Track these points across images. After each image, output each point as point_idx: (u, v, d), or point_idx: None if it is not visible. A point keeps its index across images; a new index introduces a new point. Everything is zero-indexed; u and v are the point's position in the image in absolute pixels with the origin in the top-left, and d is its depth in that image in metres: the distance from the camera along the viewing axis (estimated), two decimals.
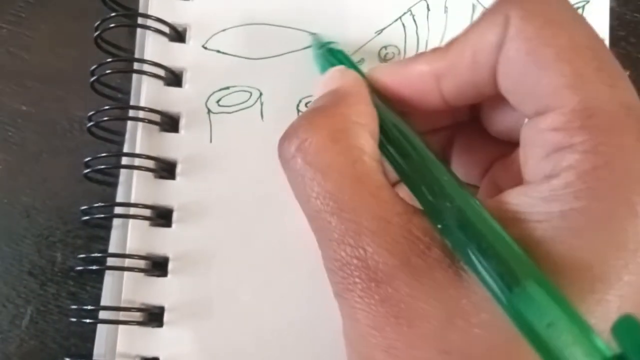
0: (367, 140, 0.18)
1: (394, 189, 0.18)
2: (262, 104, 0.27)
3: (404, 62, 0.21)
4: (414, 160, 0.19)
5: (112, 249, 0.26)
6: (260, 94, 0.27)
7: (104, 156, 0.26)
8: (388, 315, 0.16)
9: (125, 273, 0.25)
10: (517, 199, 0.16)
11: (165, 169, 0.26)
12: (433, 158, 0.19)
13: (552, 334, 0.14)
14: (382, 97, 0.20)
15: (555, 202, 0.15)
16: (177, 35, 0.27)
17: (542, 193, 0.16)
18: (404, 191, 0.19)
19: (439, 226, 0.17)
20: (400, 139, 0.19)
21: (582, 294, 0.15)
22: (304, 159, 0.18)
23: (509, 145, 0.21)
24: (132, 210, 0.25)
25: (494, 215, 0.16)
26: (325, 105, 0.19)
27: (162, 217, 0.25)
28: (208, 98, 0.26)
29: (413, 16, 0.28)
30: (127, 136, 0.27)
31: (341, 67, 0.22)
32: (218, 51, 0.27)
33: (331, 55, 0.24)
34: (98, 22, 0.26)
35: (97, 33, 0.26)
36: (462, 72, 0.19)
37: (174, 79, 0.27)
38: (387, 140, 0.20)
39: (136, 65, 0.26)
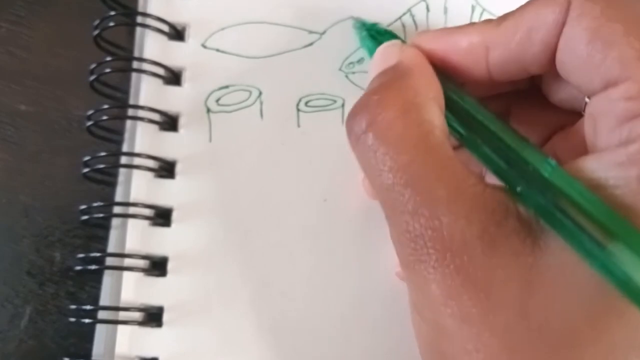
0: (436, 113, 0.19)
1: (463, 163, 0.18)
2: (261, 103, 0.27)
3: (453, 30, 0.21)
4: (483, 128, 0.19)
5: (111, 248, 0.26)
6: (260, 93, 0.27)
7: (103, 155, 0.26)
8: (465, 284, 0.16)
9: (125, 273, 0.24)
10: (591, 165, 0.17)
11: (165, 168, 0.26)
12: (501, 124, 0.19)
13: None
14: (432, 66, 0.20)
15: (633, 166, 0.16)
16: (177, 34, 0.27)
17: (618, 158, 0.16)
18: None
19: (519, 189, 0.17)
20: (464, 108, 0.20)
21: None
22: (376, 133, 0.18)
23: (571, 115, 0.21)
24: (131, 210, 0.25)
25: None
26: (392, 79, 0.19)
27: (161, 216, 0.25)
28: (207, 97, 0.26)
29: (413, 17, 0.28)
30: (126, 135, 0.27)
31: (396, 41, 0.22)
32: (217, 50, 0.27)
33: (380, 34, 0.24)
34: (97, 21, 0.26)
35: (96, 32, 0.26)
36: (513, 46, 0.19)
37: (173, 78, 0.27)
38: (450, 110, 0.20)
39: (135, 64, 0.26)
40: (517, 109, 0.23)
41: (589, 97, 0.18)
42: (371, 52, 0.24)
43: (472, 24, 0.20)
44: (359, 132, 0.19)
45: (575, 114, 0.21)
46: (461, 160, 0.18)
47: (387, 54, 0.21)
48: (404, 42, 0.23)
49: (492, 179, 0.21)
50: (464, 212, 0.17)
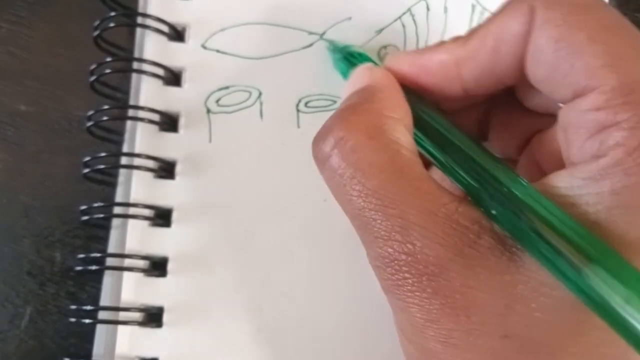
0: (403, 133, 0.18)
1: (434, 180, 0.18)
2: (261, 104, 0.27)
3: (423, 51, 0.21)
4: (454, 148, 0.19)
5: (111, 249, 0.26)
6: (260, 93, 0.27)
7: (103, 156, 0.26)
8: (444, 307, 0.16)
9: (125, 273, 0.24)
10: (564, 182, 0.16)
11: (165, 169, 0.26)
12: (473, 144, 0.19)
13: (630, 308, 0.14)
14: (403, 87, 0.20)
15: (605, 180, 0.15)
16: (177, 34, 0.27)
17: (590, 173, 0.16)
18: (438, 178, 0.18)
19: (494, 212, 0.17)
20: (436, 129, 0.19)
21: None
22: (342, 157, 0.18)
23: (547, 117, 0.21)
24: (132, 210, 0.25)
25: None
26: (358, 102, 0.19)
27: (161, 217, 0.25)
28: (207, 98, 0.26)
29: (413, 16, 0.28)
30: (126, 136, 0.27)
31: (368, 64, 0.22)
32: (217, 51, 0.27)
33: (352, 57, 0.24)
34: (97, 22, 0.26)
35: (96, 33, 0.26)
36: (483, 61, 0.19)
37: (173, 78, 0.27)
38: (421, 131, 0.19)
39: (135, 65, 0.26)
40: (495, 114, 0.23)
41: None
42: (344, 74, 0.24)
43: (441, 43, 0.20)
44: (325, 157, 0.18)
45: (552, 116, 0.21)
46: (432, 178, 0.18)
47: (357, 76, 0.21)
48: (376, 64, 0.23)
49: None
50: (436, 235, 0.16)
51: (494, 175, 0.17)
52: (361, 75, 0.21)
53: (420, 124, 0.19)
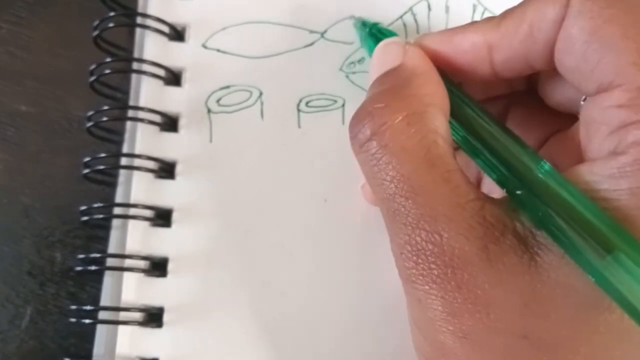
0: (441, 122, 0.18)
1: (464, 173, 0.18)
2: (262, 104, 0.26)
3: (454, 31, 0.21)
4: (486, 134, 0.19)
5: (111, 249, 0.26)
6: (261, 93, 0.27)
7: (103, 156, 0.26)
8: (465, 302, 0.16)
9: (125, 273, 0.24)
10: (584, 175, 0.16)
11: (165, 169, 0.26)
12: (502, 129, 0.19)
13: None
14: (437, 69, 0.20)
15: (623, 179, 0.15)
16: (177, 34, 0.27)
17: (609, 170, 0.16)
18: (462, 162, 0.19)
19: (518, 192, 0.17)
20: (467, 114, 0.19)
21: None
22: (380, 142, 0.18)
23: (568, 118, 0.21)
24: (132, 211, 0.25)
25: None
26: (398, 86, 0.19)
27: (161, 217, 0.25)
28: (208, 97, 0.26)
29: (414, 15, 0.28)
30: (126, 136, 0.27)
31: (398, 39, 0.22)
32: (218, 50, 0.27)
33: (382, 34, 0.24)
34: (97, 22, 0.26)
35: (96, 33, 0.26)
36: (516, 45, 0.19)
37: (173, 78, 0.27)
38: (453, 115, 0.19)
39: (135, 65, 0.26)
40: (514, 111, 0.23)
41: (584, 100, 0.18)
42: (372, 52, 0.24)
43: (473, 23, 0.20)
44: (363, 140, 0.19)
45: (571, 117, 0.21)
46: (461, 168, 0.18)
47: (388, 53, 0.21)
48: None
49: (489, 185, 0.21)
50: (463, 229, 0.16)
51: (520, 158, 0.17)
52: (393, 52, 0.21)
53: (454, 111, 0.19)
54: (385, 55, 0.21)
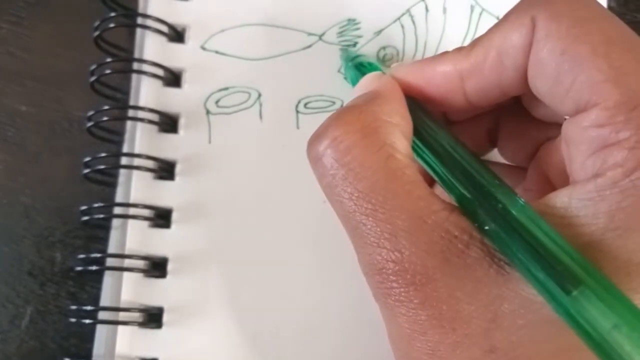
0: (398, 138, 0.18)
1: (427, 186, 0.17)
2: (261, 105, 0.27)
3: (426, 62, 0.21)
4: (454, 161, 0.18)
5: (111, 249, 0.26)
6: (259, 94, 0.27)
7: (103, 156, 0.26)
8: (430, 319, 0.16)
9: (125, 273, 0.25)
10: (562, 202, 0.16)
11: (165, 170, 0.26)
12: (473, 159, 0.18)
13: (617, 335, 0.13)
14: (409, 97, 0.20)
15: (602, 202, 0.15)
16: (176, 35, 0.27)
17: (588, 194, 0.15)
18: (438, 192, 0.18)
19: (487, 228, 0.16)
20: (437, 141, 0.19)
21: (636, 294, 0.15)
22: (335, 157, 0.18)
23: (555, 127, 0.21)
24: (132, 211, 0.25)
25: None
26: (357, 104, 0.19)
27: (161, 217, 0.25)
28: (207, 99, 0.26)
29: (412, 17, 0.28)
30: (126, 136, 0.27)
31: (377, 72, 0.22)
32: (217, 52, 0.27)
33: (362, 66, 0.24)
34: (97, 22, 0.26)
35: (96, 33, 0.26)
36: (487, 73, 0.19)
37: (173, 79, 0.27)
38: (423, 142, 0.19)
39: (135, 66, 0.26)
40: (504, 122, 0.23)
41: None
42: (353, 82, 0.24)
43: (444, 53, 0.20)
44: (318, 155, 0.18)
45: (559, 126, 0.20)
46: (425, 184, 0.17)
47: (365, 83, 0.21)
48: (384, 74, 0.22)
49: None
50: (424, 243, 0.16)
51: (491, 191, 0.17)
52: (369, 82, 0.21)
53: (422, 135, 0.19)
54: (361, 86, 0.21)
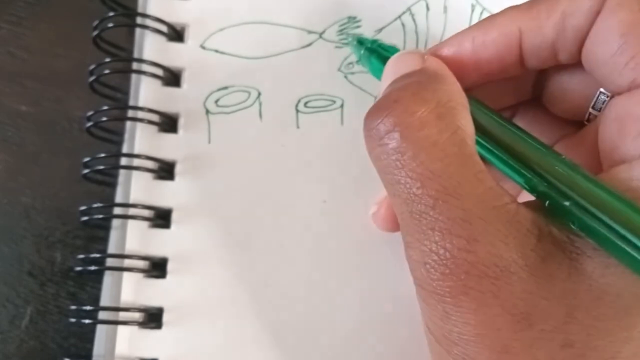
0: (469, 121, 0.17)
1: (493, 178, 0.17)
2: (260, 104, 0.27)
3: (472, 29, 0.19)
4: (517, 145, 0.17)
5: (111, 249, 0.26)
6: (259, 94, 0.27)
7: (103, 156, 0.26)
8: (504, 313, 0.15)
9: (125, 274, 0.24)
10: (623, 176, 0.16)
11: (164, 170, 0.26)
12: (530, 138, 0.18)
13: None
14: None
15: None
16: (176, 34, 0.27)
17: None
18: None
19: (567, 203, 0.15)
20: (494, 125, 0.18)
21: None
22: (405, 134, 0.16)
23: (572, 124, 0.20)
24: (131, 211, 0.25)
25: None
26: (424, 81, 0.18)
27: (161, 217, 0.25)
28: (206, 98, 0.26)
29: (412, 15, 0.28)
30: (126, 136, 0.27)
31: (416, 50, 0.21)
32: (216, 51, 0.27)
33: (384, 50, 0.23)
34: (97, 22, 0.26)
35: (95, 33, 0.26)
36: (547, 32, 0.18)
37: (172, 78, 0.27)
38: (481, 130, 0.18)
39: (135, 65, 0.26)
40: (520, 120, 0.23)
41: (608, 96, 0.18)
42: (374, 68, 0.23)
43: (499, 13, 0.19)
44: (383, 132, 0.17)
45: (575, 124, 0.20)
46: (492, 176, 0.16)
47: (405, 61, 0.19)
48: None
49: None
50: (501, 234, 0.15)
51: (553, 166, 0.16)
52: (411, 59, 0.19)
53: (478, 121, 0.18)
54: (402, 63, 0.19)
